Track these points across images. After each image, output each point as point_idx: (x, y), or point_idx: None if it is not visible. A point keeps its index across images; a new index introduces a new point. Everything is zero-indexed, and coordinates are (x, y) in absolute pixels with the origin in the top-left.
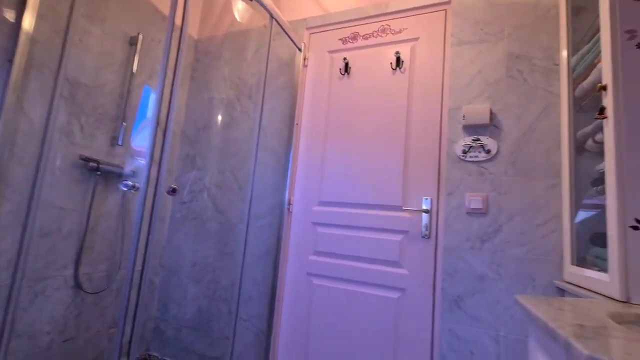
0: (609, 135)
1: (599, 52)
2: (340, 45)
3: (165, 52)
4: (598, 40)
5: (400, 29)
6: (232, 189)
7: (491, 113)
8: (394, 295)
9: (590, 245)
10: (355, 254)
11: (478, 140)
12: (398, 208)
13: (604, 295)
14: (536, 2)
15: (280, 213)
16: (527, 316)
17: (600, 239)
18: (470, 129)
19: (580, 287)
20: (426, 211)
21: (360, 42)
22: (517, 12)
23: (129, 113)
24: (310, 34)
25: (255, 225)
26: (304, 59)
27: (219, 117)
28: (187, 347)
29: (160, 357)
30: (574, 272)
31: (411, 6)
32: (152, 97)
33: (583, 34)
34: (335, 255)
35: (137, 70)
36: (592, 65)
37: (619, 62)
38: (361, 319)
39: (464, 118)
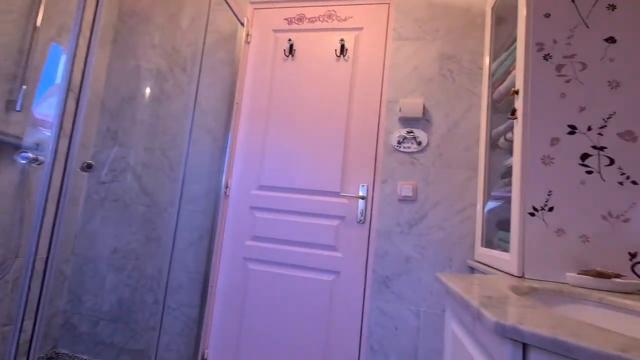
0: (517, 134)
1: (515, 60)
2: (286, 25)
3: (79, 4)
4: (514, 49)
5: (346, 17)
6: (162, 169)
7: (424, 108)
8: (329, 277)
9: (497, 229)
10: (293, 238)
11: (412, 132)
12: (336, 194)
13: (505, 272)
14: (467, 8)
15: (216, 196)
16: (445, 291)
17: (504, 224)
18: (405, 121)
19: (487, 265)
20: (362, 197)
21: (306, 24)
22: (451, 15)
23: (31, 74)
24: (254, 9)
25: (187, 208)
26: (247, 35)
27: (148, 89)
28: (105, 341)
29: (71, 354)
30: (483, 253)
31: None
32: (63, 58)
33: (503, 42)
34: (273, 240)
35: (42, 23)
36: (508, 71)
37: (530, 70)
38: (297, 302)
39: (400, 110)
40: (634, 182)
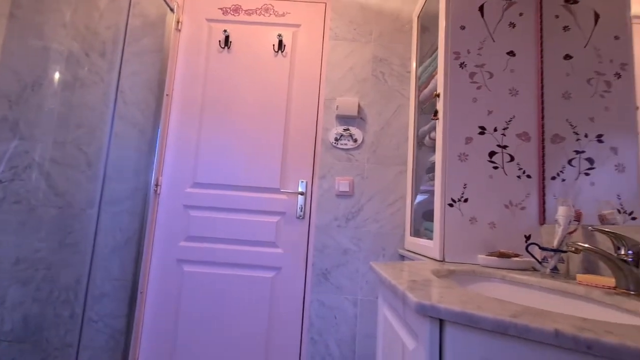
0: (439, 133)
1: (437, 66)
2: (221, 16)
3: None
4: (436, 56)
5: (284, 12)
6: (78, 166)
7: (359, 106)
8: (270, 274)
9: (423, 220)
10: (232, 237)
11: (348, 129)
12: (276, 190)
13: (430, 257)
14: (397, 15)
15: (144, 195)
16: (378, 279)
17: (429, 215)
18: (342, 119)
19: (415, 253)
20: (301, 193)
21: (243, 16)
22: (383, 21)
23: None
24: None
25: (110, 210)
26: (177, 22)
27: (57, 74)
28: None
29: None
30: (411, 242)
31: None
32: None
33: (427, 49)
34: (211, 240)
35: None
36: (432, 76)
37: (448, 76)
38: (237, 301)
39: (337, 108)
40: (529, 176)
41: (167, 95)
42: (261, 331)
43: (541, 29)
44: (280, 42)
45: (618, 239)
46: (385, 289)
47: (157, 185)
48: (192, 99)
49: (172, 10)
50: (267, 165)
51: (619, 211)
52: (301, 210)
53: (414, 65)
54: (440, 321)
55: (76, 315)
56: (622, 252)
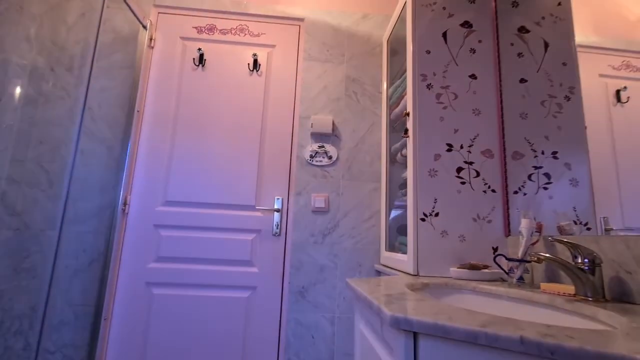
0: (409, 150)
1: (406, 87)
2: (195, 34)
3: None
4: (405, 78)
5: (259, 33)
6: (38, 184)
7: (334, 124)
8: (245, 294)
9: (397, 234)
10: (205, 256)
11: (323, 147)
12: (251, 207)
13: (404, 272)
14: (367, 38)
15: (111, 215)
16: (354, 295)
17: (404, 230)
18: (317, 136)
19: (390, 267)
20: (277, 210)
21: (218, 35)
22: (354, 43)
23: None
24: (159, 12)
25: (73, 230)
26: (150, 39)
27: (18, 89)
28: None
29: None
30: (387, 257)
31: (269, 14)
32: None
33: (397, 70)
34: (183, 260)
35: None
36: (402, 96)
37: (417, 97)
38: (210, 323)
39: (312, 126)
40: (493, 190)
41: (137, 111)
42: (236, 354)
43: (498, 55)
44: (256, 61)
45: (575, 249)
46: (361, 305)
47: (125, 203)
48: (164, 115)
49: (144, 27)
50: (242, 182)
51: (575, 222)
52: (277, 227)
53: (384, 85)
54: (415, 334)
55: (30, 347)
56: (579, 260)
